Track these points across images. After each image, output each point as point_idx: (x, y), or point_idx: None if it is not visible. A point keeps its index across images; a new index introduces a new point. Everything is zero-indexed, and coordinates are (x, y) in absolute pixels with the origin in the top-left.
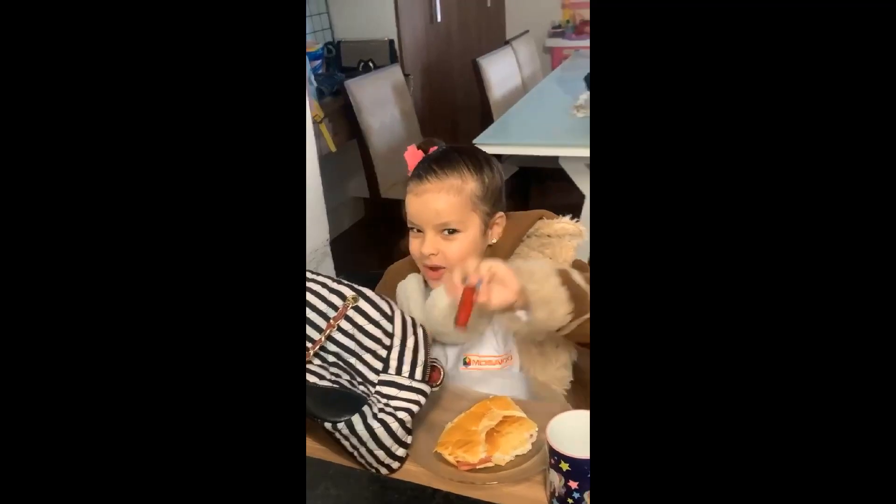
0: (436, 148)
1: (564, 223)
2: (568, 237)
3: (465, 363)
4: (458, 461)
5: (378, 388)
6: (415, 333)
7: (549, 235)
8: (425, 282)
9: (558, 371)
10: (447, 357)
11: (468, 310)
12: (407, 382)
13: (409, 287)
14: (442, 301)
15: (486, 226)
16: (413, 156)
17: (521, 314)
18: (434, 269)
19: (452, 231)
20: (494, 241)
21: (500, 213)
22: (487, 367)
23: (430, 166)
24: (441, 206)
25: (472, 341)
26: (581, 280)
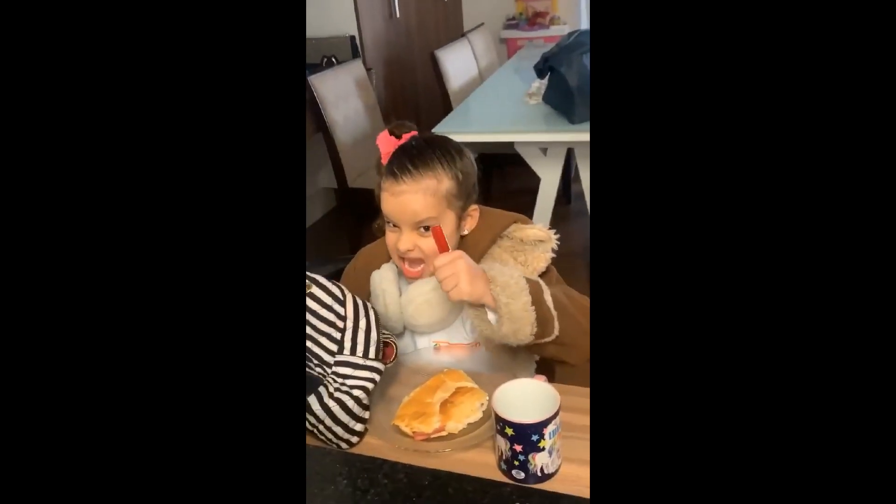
0: (411, 134)
1: (537, 230)
2: (540, 245)
3: (436, 348)
4: (413, 432)
5: (334, 368)
6: (367, 315)
7: (522, 240)
8: (399, 272)
9: (525, 361)
10: (416, 344)
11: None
12: (361, 362)
13: (385, 279)
14: (418, 296)
15: (460, 219)
16: (386, 141)
17: (490, 316)
18: (411, 261)
19: (428, 227)
20: (467, 232)
21: (474, 206)
22: (457, 353)
23: (405, 165)
24: (418, 206)
25: (443, 330)
26: (551, 302)
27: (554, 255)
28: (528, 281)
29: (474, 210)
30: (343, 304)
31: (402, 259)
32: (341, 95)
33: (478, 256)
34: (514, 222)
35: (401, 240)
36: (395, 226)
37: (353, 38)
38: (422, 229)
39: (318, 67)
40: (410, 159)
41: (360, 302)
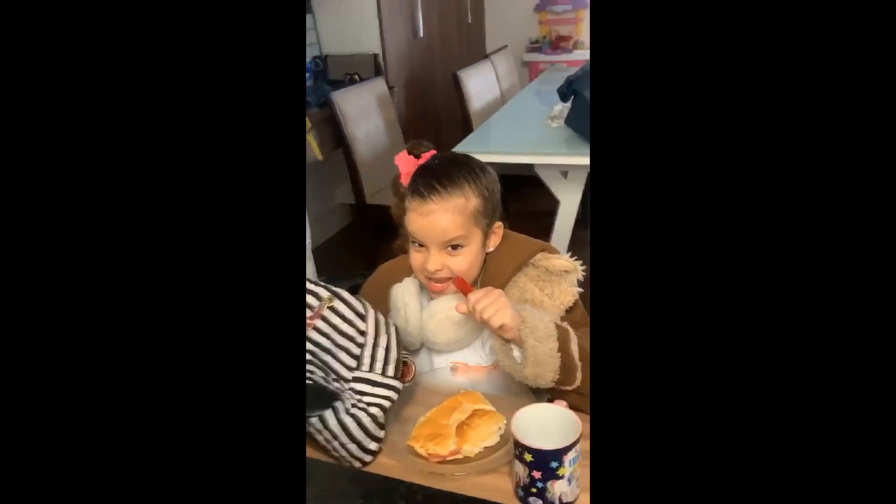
0: (430, 153)
1: (563, 260)
2: (566, 276)
3: (453, 369)
4: (429, 453)
5: (351, 384)
6: (387, 332)
7: (547, 270)
8: (421, 287)
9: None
10: (433, 363)
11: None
12: (379, 379)
13: (407, 292)
14: (440, 312)
15: (486, 236)
16: (405, 161)
17: (515, 353)
18: (437, 280)
19: (456, 246)
20: (491, 248)
21: (498, 224)
22: (474, 375)
23: (433, 185)
24: (447, 225)
25: (461, 350)
26: (577, 352)
27: (581, 291)
28: (558, 327)
29: (498, 227)
30: (364, 319)
31: (428, 278)
32: (363, 112)
33: (502, 283)
34: (541, 251)
35: (429, 260)
36: (420, 245)
37: (376, 56)
38: (450, 248)
39: (340, 84)
40: (438, 178)
41: (381, 318)
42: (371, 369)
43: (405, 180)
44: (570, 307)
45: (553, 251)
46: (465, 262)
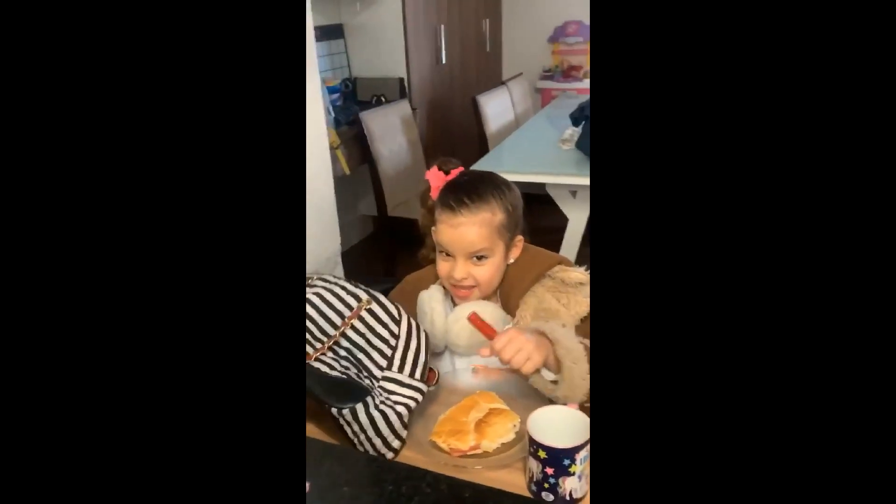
0: (459, 170)
1: (579, 273)
2: (581, 288)
3: (474, 371)
4: (450, 448)
5: (381, 382)
6: (418, 337)
7: (563, 281)
8: (446, 293)
9: None
10: (455, 365)
11: (488, 330)
12: (407, 381)
13: (434, 298)
14: (464, 317)
15: (508, 248)
16: (436, 176)
17: (546, 374)
18: (463, 287)
19: (481, 257)
20: (512, 260)
21: (519, 237)
22: (493, 377)
23: (462, 199)
24: (474, 237)
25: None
26: None
27: None
28: (586, 349)
29: (519, 240)
30: (398, 323)
31: (454, 286)
32: (388, 131)
33: (521, 292)
34: (558, 263)
35: (456, 269)
36: (448, 255)
37: (402, 79)
38: (475, 258)
39: (368, 105)
40: (467, 193)
41: (413, 324)
42: (401, 370)
43: (434, 194)
44: (584, 317)
45: (569, 264)
46: (488, 271)
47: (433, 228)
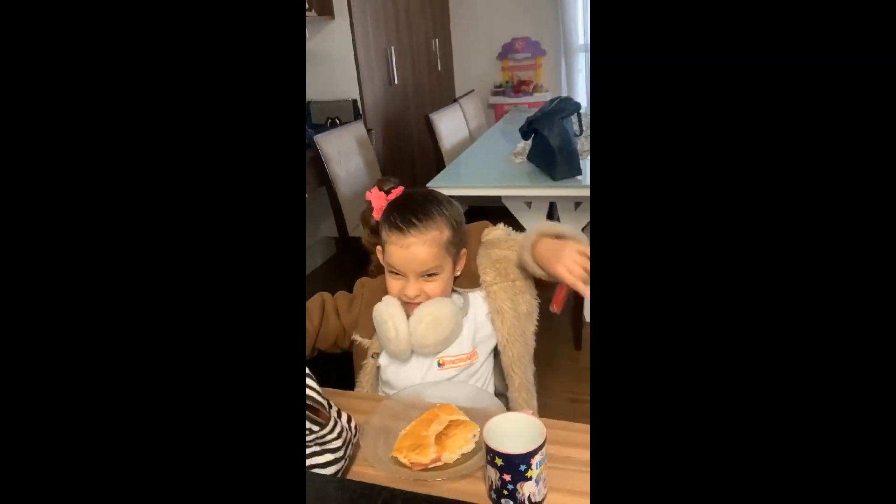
0: (399, 189)
1: (502, 228)
2: (509, 240)
3: (440, 365)
4: (411, 462)
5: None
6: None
7: (492, 242)
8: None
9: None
10: (422, 365)
11: (561, 299)
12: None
13: (391, 305)
14: (427, 315)
15: (455, 262)
16: (377, 197)
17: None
18: (415, 304)
19: (432, 274)
20: (458, 273)
21: (464, 250)
22: (459, 364)
23: (410, 219)
24: (425, 256)
25: (445, 347)
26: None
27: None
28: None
29: (464, 254)
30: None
31: (406, 302)
32: (343, 153)
33: (474, 269)
34: (484, 228)
35: (408, 287)
36: (398, 274)
37: (355, 101)
38: (426, 276)
39: (322, 128)
40: (415, 214)
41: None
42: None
43: (377, 214)
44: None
45: (487, 225)
46: (439, 286)
47: (378, 248)
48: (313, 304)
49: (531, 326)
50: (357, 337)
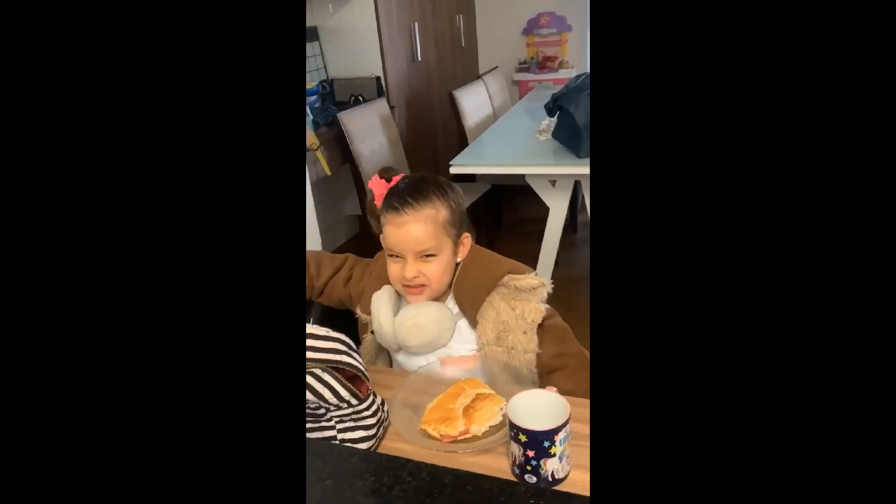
0: (400, 176)
1: (531, 279)
2: (535, 293)
3: (442, 363)
4: (441, 434)
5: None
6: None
7: (517, 288)
8: (398, 295)
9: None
10: (412, 363)
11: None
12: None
13: (381, 300)
14: (408, 319)
15: (456, 246)
16: (378, 184)
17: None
18: (414, 286)
19: (430, 255)
20: (460, 259)
21: (466, 234)
22: (459, 365)
23: (405, 198)
24: (420, 234)
25: (435, 351)
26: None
27: (548, 308)
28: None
29: (466, 238)
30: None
31: (405, 286)
32: (367, 130)
33: (478, 303)
34: (509, 272)
35: (406, 268)
36: (397, 257)
37: (378, 78)
38: (424, 256)
39: (346, 105)
40: (409, 193)
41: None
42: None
43: (379, 202)
44: (544, 322)
45: (520, 270)
46: (437, 269)
47: (381, 235)
48: (334, 260)
49: (528, 361)
50: (358, 311)
